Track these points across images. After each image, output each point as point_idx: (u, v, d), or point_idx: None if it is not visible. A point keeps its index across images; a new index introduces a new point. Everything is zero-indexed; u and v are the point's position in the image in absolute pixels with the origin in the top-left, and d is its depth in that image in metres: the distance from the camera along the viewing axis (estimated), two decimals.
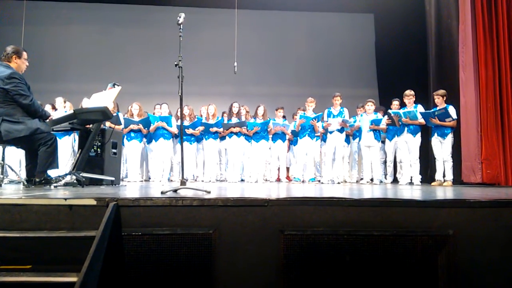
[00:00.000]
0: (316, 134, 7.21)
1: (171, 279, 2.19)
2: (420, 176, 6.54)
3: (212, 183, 6.49)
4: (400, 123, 6.58)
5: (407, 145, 6.56)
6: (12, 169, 4.23)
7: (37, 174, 3.71)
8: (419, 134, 6.51)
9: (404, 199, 2.52)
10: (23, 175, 4.09)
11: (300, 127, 7.17)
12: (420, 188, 4.97)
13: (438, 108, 6.20)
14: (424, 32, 7.90)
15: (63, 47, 10.22)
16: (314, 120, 7.03)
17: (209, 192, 2.85)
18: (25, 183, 3.76)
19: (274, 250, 2.26)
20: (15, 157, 6.70)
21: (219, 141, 7.60)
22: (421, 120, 6.36)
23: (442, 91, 6.26)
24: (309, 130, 7.12)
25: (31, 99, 3.69)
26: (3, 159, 4.05)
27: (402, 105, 6.85)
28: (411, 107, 6.55)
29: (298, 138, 7.30)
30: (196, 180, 7.68)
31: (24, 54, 3.89)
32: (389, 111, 6.84)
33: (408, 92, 6.62)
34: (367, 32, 10.67)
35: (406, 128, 6.54)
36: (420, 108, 6.50)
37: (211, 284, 2.21)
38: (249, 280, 2.26)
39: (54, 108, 7.29)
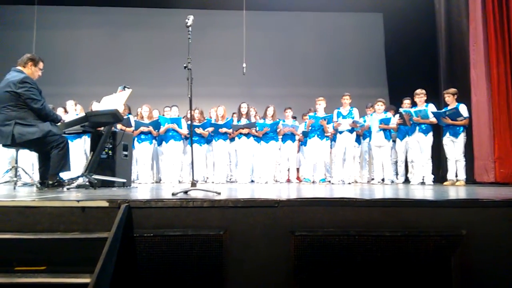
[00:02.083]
0: (326, 135, 7.19)
1: (183, 279, 2.20)
2: (432, 176, 6.47)
3: (222, 184, 6.50)
4: (411, 122, 6.52)
5: (419, 145, 6.50)
6: (25, 172, 4.31)
7: (50, 176, 3.76)
8: (430, 134, 6.45)
9: (416, 199, 2.50)
10: (36, 177, 4.15)
11: (310, 127, 7.14)
12: (432, 188, 4.92)
13: (449, 107, 6.14)
14: (434, 30, 7.82)
15: (73, 51, 10.34)
16: (323, 120, 6.99)
17: (219, 193, 2.86)
18: (38, 186, 3.82)
19: (285, 251, 2.26)
20: (28, 160, 6.79)
21: (229, 142, 7.61)
22: (432, 119, 6.30)
23: (453, 90, 6.20)
24: (318, 130, 7.09)
25: (42, 103, 3.75)
26: (16, 162, 4.12)
27: (413, 104, 6.79)
28: (422, 106, 6.49)
29: (308, 138, 7.28)
30: (206, 181, 7.70)
31: (41, 64, 3.95)
32: (400, 109, 6.78)
33: (419, 91, 6.56)
34: (376, 31, 10.61)
35: (417, 128, 6.48)
36: (432, 107, 6.43)
37: (222, 285, 2.22)
38: (260, 281, 2.26)
39: (65, 111, 7.38)
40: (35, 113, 3.71)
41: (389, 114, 7.11)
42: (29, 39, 8.65)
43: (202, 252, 2.20)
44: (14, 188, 3.92)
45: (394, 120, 6.94)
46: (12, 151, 5.10)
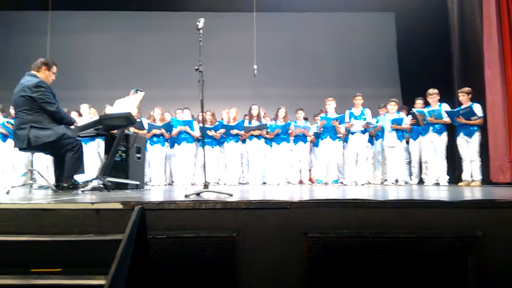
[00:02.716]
0: (338, 135, 7.14)
1: (196, 281, 2.21)
2: (447, 177, 6.39)
3: (234, 186, 6.51)
4: (424, 122, 6.44)
5: (433, 145, 6.42)
6: (41, 175, 4.36)
7: (64, 179, 3.81)
8: (444, 134, 6.37)
9: (431, 200, 2.47)
10: (51, 180, 4.21)
11: (322, 128, 7.12)
12: (447, 188, 4.85)
13: (463, 106, 6.05)
14: (446, 29, 7.72)
15: (87, 55, 10.48)
16: (335, 121, 6.96)
17: (231, 195, 2.87)
18: (54, 188, 3.88)
19: (298, 252, 2.25)
20: (44, 163, 6.89)
21: (240, 144, 7.62)
22: (446, 119, 6.22)
23: (467, 89, 6.11)
24: (330, 131, 7.06)
25: (57, 106, 3.81)
26: (32, 165, 4.18)
27: (426, 104, 6.71)
28: (435, 106, 6.41)
29: (320, 139, 7.25)
30: (218, 183, 7.72)
31: (54, 68, 4.01)
32: (413, 110, 6.71)
33: (431, 91, 6.48)
34: (388, 31, 10.51)
35: (431, 128, 6.40)
36: (445, 107, 6.35)
37: (235, 286, 2.22)
38: (273, 282, 2.26)
39: (79, 114, 7.48)
40: (50, 116, 3.77)
41: (402, 114, 7.04)
42: (43, 44, 8.79)
43: (215, 254, 2.21)
44: (30, 191, 3.99)
45: (407, 120, 6.87)
46: (28, 154, 5.19)
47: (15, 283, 1.92)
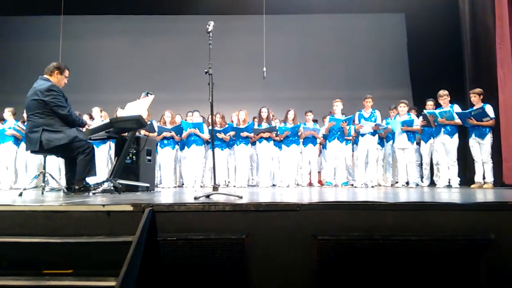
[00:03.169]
0: (346, 138, 7.11)
1: (206, 283, 2.21)
2: (459, 179, 6.31)
3: (243, 188, 6.51)
4: (435, 123, 6.38)
5: (444, 147, 6.36)
6: (52, 177, 4.42)
7: (76, 181, 3.86)
8: (456, 135, 6.30)
9: (443, 202, 2.44)
10: (63, 183, 4.25)
11: (329, 130, 7.11)
12: (459, 191, 4.79)
13: (475, 107, 5.98)
14: (458, 29, 7.65)
15: (98, 58, 10.60)
16: (344, 122, 6.94)
17: (241, 197, 2.87)
18: (65, 191, 3.92)
19: (307, 255, 2.24)
20: (55, 166, 6.98)
21: (250, 146, 7.63)
22: (457, 120, 6.15)
23: (478, 90, 6.03)
24: (338, 133, 7.03)
25: (68, 110, 3.85)
26: (44, 168, 4.24)
27: (437, 105, 6.65)
28: (446, 107, 6.34)
29: (327, 141, 7.23)
30: (228, 185, 7.74)
31: (66, 72, 4.07)
32: (424, 111, 6.65)
33: (442, 92, 6.42)
34: (398, 32, 10.44)
35: (442, 129, 6.34)
36: (457, 108, 6.28)
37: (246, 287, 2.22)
38: (283, 285, 2.25)
39: (91, 117, 7.56)
40: (61, 119, 3.82)
41: (413, 116, 6.98)
42: (56, 48, 8.92)
43: (224, 256, 2.21)
44: (42, 193, 4.04)
45: (417, 122, 6.81)
46: (40, 157, 5.27)
47: (28, 284, 1.94)
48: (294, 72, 10.40)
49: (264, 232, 2.27)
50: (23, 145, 7.07)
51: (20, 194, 3.80)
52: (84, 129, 4.21)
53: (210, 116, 3.84)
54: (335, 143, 7.06)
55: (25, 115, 7.10)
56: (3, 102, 8.31)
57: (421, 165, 7.22)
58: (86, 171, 3.85)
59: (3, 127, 7.36)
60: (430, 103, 6.89)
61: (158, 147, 7.36)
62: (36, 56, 9.52)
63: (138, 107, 4.40)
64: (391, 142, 7.23)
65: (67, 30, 9.37)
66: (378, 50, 10.35)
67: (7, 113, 7.44)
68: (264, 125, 7.44)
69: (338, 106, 7.06)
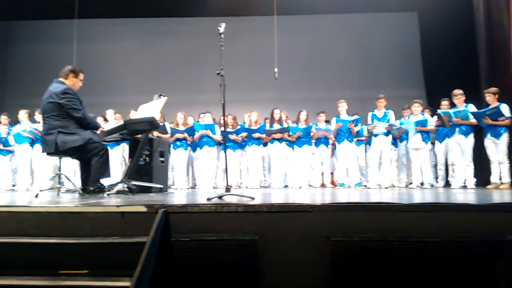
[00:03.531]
0: (359, 138, 7.06)
1: (219, 283, 2.21)
2: (475, 179, 6.22)
3: (256, 189, 6.51)
4: (450, 123, 6.29)
5: (460, 147, 6.26)
6: (68, 179, 4.48)
7: (91, 183, 3.90)
8: (471, 135, 6.20)
9: (458, 203, 2.41)
10: (78, 184, 4.31)
11: (337, 132, 7.07)
12: (474, 191, 4.72)
13: (490, 107, 5.88)
14: (472, 27, 7.53)
15: (112, 61, 10.73)
16: (351, 123, 6.90)
17: (253, 199, 2.87)
18: (80, 192, 3.97)
19: (321, 256, 2.23)
20: (71, 167, 7.08)
21: (262, 147, 7.63)
22: (472, 120, 6.06)
23: (493, 89, 5.93)
24: (346, 134, 7.00)
25: (83, 112, 3.91)
26: (59, 170, 4.30)
27: (452, 105, 6.55)
28: (461, 107, 6.25)
29: (337, 143, 7.20)
30: (240, 186, 7.75)
31: (81, 75, 4.13)
32: (438, 111, 6.56)
33: (456, 91, 6.33)
34: (411, 31, 10.33)
35: (457, 129, 6.25)
36: (472, 108, 6.18)
37: None
38: (296, 286, 2.24)
39: (105, 119, 7.65)
40: (76, 122, 3.87)
41: (427, 115, 6.89)
42: (70, 51, 9.06)
43: (237, 257, 2.21)
44: (58, 195, 4.09)
45: (432, 122, 6.73)
46: (55, 159, 5.35)
47: (45, 284, 1.97)
48: (306, 73, 10.37)
49: (276, 234, 2.27)
50: (38, 147, 7.18)
51: (36, 196, 3.86)
52: (98, 131, 4.26)
53: (222, 118, 3.85)
54: (345, 144, 7.04)
55: (36, 117, 7.32)
56: (19, 104, 8.46)
57: (435, 165, 7.12)
58: (100, 173, 3.89)
59: (20, 129, 7.50)
60: (445, 103, 6.80)
61: (171, 149, 7.41)
62: (50, 59, 9.69)
63: (151, 109, 4.44)
64: (404, 142, 7.15)
65: (81, 34, 9.51)
66: (390, 50, 10.26)
67: (23, 115, 7.57)
68: (276, 126, 7.43)
69: (343, 107, 7.04)
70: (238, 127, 7.67)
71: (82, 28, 9.58)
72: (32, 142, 7.50)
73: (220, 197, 3.01)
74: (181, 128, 7.60)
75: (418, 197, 3.39)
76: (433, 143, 7.03)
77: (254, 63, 9.97)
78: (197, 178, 7.84)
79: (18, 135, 7.44)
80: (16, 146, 7.52)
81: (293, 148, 7.48)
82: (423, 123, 6.67)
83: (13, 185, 7.82)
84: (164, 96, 4.61)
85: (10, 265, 2.11)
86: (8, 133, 7.69)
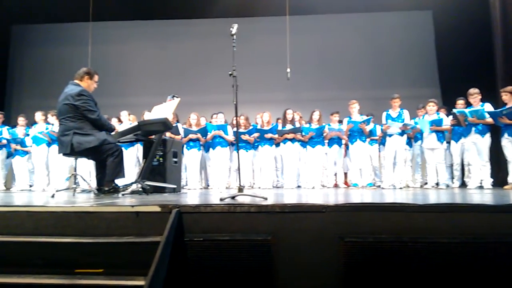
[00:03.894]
0: (372, 138, 7.00)
1: (232, 283, 2.22)
2: (491, 179, 6.10)
3: (268, 190, 6.51)
4: (466, 123, 6.19)
5: (476, 146, 6.16)
6: (83, 179, 4.56)
7: (106, 183, 3.95)
8: (488, 134, 6.10)
9: (474, 204, 2.37)
10: (94, 184, 4.37)
11: (349, 132, 7.02)
12: (491, 192, 4.63)
13: (507, 106, 5.77)
14: (488, 25, 7.40)
15: (126, 63, 10.85)
16: (362, 123, 6.86)
17: (266, 199, 2.87)
18: (96, 192, 4.03)
19: (334, 257, 2.21)
20: (86, 168, 7.19)
21: (274, 147, 7.62)
22: (489, 119, 5.95)
23: (510, 88, 5.82)
24: (358, 134, 6.95)
25: (98, 114, 3.96)
26: (75, 170, 4.37)
27: (468, 104, 6.45)
28: (477, 106, 6.15)
29: (350, 143, 7.15)
30: (253, 187, 7.75)
31: (96, 77, 4.19)
32: (454, 110, 6.47)
33: (472, 90, 6.22)
34: (426, 29, 10.20)
35: (473, 128, 6.15)
36: (488, 107, 6.08)
37: None
38: (309, 287, 2.23)
39: (120, 121, 7.74)
40: (91, 123, 3.93)
41: (442, 115, 6.80)
42: (85, 54, 9.19)
43: (250, 257, 2.22)
44: (74, 195, 4.16)
45: (447, 121, 6.63)
46: (71, 160, 5.44)
47: (61, 283, 2.00)
48: (319, 73, 10.33)
49: (289, 234, 2.27)
50: (54, 148, 7.31)
51: (53, 196, 3.92)
52: (113, 133, 4.31)
53: (234, 118, 3.86)
54: (358, 144, 7.01)
55: (49, 118, 7.45)
56: (35, 106, 8.62)
57: (451, 165, 7.02)
58: (115, 173, 3.94)
59: (36, 131, 7.64)
60: (460, 102, 6.69)
61: (184, 149, 7.45)
62: (66, 61, 9.86)
63: (164, 110, 4.48)
64: (419, 142, 7.06)
65: (95, 36, 9.63)
66: (404, 49, 10.15)
67: (39, 116, 7.71)
68: (288, 127, 7.42)
69: (355, 107, 7.00)
70: (251, 127, 7.68)
71: (96, 31, 9.71)
72: (49, 143, 7.64)
73: (233, 197, 3.02)
74: (194, 128, 7.65)
75: (433, 197, 3.34)
76: (448, 143, 6.93)
77: (267, 64, 9.97)
78: (210, 179, 7.87)
79: (35, 137, 7.59)
80: (34, 147, 7.66)
81: (306, 149, 7.45)
82: (438, 122, 6.59)
83: (30, 185, 7.97)
84: (177, 97, 4.65)
85: (28, 264, 2.15)
86: (26, 134, 7.84)
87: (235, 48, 3.41)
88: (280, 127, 7.54)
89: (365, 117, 7.06)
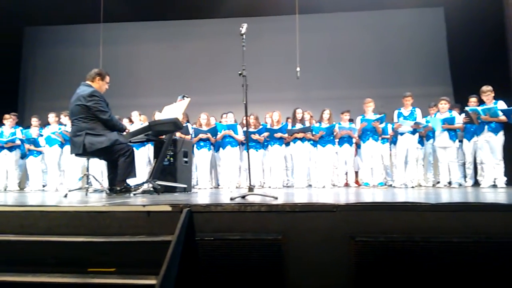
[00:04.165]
0: (383, 137, 6.94)
1: (243, 282, 2.22)
2: (505, 178, 6.01)
3: (279, 189, 6.50)
4: (479, 121, 6.11)
5: (489, 145, 6.07)
6: (96, 179, 4.60)
7: (117, 183, 3.99)
8: (501, 132, 6.00)
9: (487, 203, 2.34)
10: (106, 184, 4.42)
11: (361, 131, 6.97)
12: (505, 191, 4.57)
13: None
14: (501, 21, 7.27)
15: (137, 64, 10.94)
16: (376, 122, 6.79)
17: (276, 198, 2.87)
18: (108, 192, 4.07)
19: (345, 257, 2.20)
20: (98, 168, 7.26)
21: (284, 147, 7.61)
22: (502, 117, 5.86)
23: None
24: (371, 133, 6.90)
25: (109, 114, 4.00)
26: (87, 170, 4.42)
27: (481, 102, 6.36)
28: (490, 104, 6.05)
29: (362, 142, 7.10)
30: (263, 186, 7.75)
31: (107, 78, 4.23)
32: (466, 108, 6.38)
33: (484, 88, 6.13)
34: (437, 26, 10.08)
35: (486, 126, 6.06)
36: (501, 104, 5.98)
37: None
38: (320, 286, 2.23)
39: (131, 121, 7.80)
40: (103, 123, 3.97)
41: (454, 113, 6.71)
42: (96, 55, 9.28)
43: (261, 256, 2.22)
44: (86, 194, 4.21)
45: (459, 119, 6.55)
46: (84, 160, 5.50)
47: (74, 282, 2.03)
48: (329, 72, 10.28)
49: (300, 233, 2.26)
50: (67, 148, 7.40)
51: (65, 196, 3.97)
52: (124, 133, 4.35)
53: (244, 118, 3.86)
54: (370, 143, 6.94)
55: (63, 119, 7.54)
56: (48, 107, 8.75)
57: (464, 164, 6.93)
58: (127, 173, 3.98)
59: (49, 132, 7.75)
60: (473, 100, 6.60)
61: (195, 149, 7.49)
62: (77, 63, 9.97)
63: (174, 110, 4.50)
64: (431, 140, 6.98)
65: (106, 37, 9.72)
66: (415, 46, 10.04)
67: (52, 118, 7.82)
68: (298, 126, 7.40)
69: (370, 106, 6.93)
70: (260, 127, 7.67)
71: (107, 32, 9.80)
72: (62, 144, 7.74)
73: (243, 197, 3.02)
74: (205, 128, 7.67)
75: (446, 196, 3.31)
76: (461, 141, 6.85)
77: (276, 63, 9.96)
78: (220, 178, 7.90)
79: (48, 137, 7.70)
80: (47, 147, 7.77)
81: (316, 148, 7.42)
82: (450, 120, 6.50)
83: (44, 185, 8.08)
84: (187, 97, 4.67)
85: (41, 262, 2.18)
86: (40, 135, 7.95)
87: (245, 48, 3.41)
88: (289, 127, 7.52)
89: (378, 116, 6.99)
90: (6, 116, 7.95)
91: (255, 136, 7.51)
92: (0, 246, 2.27)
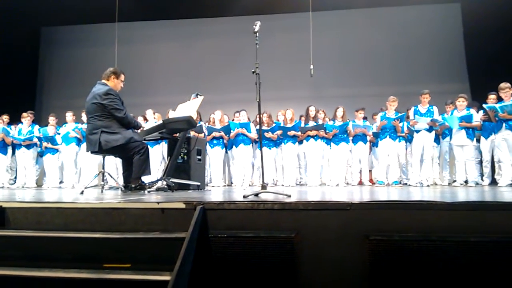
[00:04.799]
0: (399, 135, 6.85)
1: (256, 280, 2.23)
2: None
3: (292, 187, 6.49)
4: (496, 118, 5.99)
5: (507, 143, 5.95)
6: (111, 176, 4.66)
7: (132, 180, 4.04)
8: None
9: (505, 202, 2.29)
10: (121, 181, 4.47)
11: (381, 129, 6.89)
12: None
13: None
14: None
15: (151, 63, 11.04)
16: (396, 120, 6.70)
17: (289, 196, 2.86)
18: (123, 189, 4.12)
19: (359, 255, 2.19)
20: (113, 165, 7.36)
21: (297, 145, 7.58)
22: None
23: None
24: (390, 131, 6.81)
25: (125, 112, 4.05)
26: (103, 168, 4.48)
27: (499, 99, 6.23)
28: (508, 101, 5.93)
29: (379, 139, 7.02)
30: (276, 184, 7.74)
31: (122, 76, 4.28)
32: (484, 105, 6.26)
33: (503, 85, 6.00)
34: (453, 23, 9.91)
35: (504, 124, 5.93)
36: None
37: (295, 286, 2.21)
38: (333, 285, 2.22)
39: (145, 119, 7.88)
40: (118, 122, 4.02)
41: (472, 111, 6.59)
42: (111, 54, 9.40)
43: (274, 254, 2.22)
44: (102, 191, 4.27)
45: (477, 117, 6.42)
46: (99, 157, 5.59)
47: (90, 277, 2.06)
48: (342, 69, 10.20)
49: (313, 231, 2.25)
50: (84, 146, 7.51)
51: (82, 192, 4.04)
52: (139, 131, 4.40)
53: (257, 116, 3.86)
54: (387, 141, 6.84)
55: (83, 118, 7.66)
56: (64, 105, 8.89)
57: (481, 162, 6.80)
58: (141, 171, 4.02)
59: (66, 131, 7.88)
60: (492, 97, 6.46)
61: (208, 147, 7.52)
62: (93, 62, 10.11)
63: (188, 108, 4.52)
64: (447, 138, 6.87)
65: (121, 37, 9.83)
66: (432, 43, 9.89)
67: (69, 117, 7.96)
68: (311, 124, 7.37)
69: (394, 105, 6.80)
70: (274, 125, 7.66)
71: (122, 31, 9.91)
72: (79, 142, 7.87)
73: (256, 195, 3.02)
74: (218, 125, 7.70)
75: (462, 195, 3.25)
76: (478, 140, 6.72)
77: (289, 61, 9.93)
78: (233, 176, 7.92)
79: (65, 136, 7.84)
80: (63, 145, 7.91)
81: (330, 146, 7.38)
82: (468, 118, 6.39)
83: (60, 182, 8.23)
84: (201, 95, 4.69)
85: (58, 258, 2.22)
86: (57, 133, 8.09)
87: (258, 46, 3.40)
88: (303, 124, 7.49)
89: (399, 114, 6.89)
90: (24, 114, 8.11)
91: (268, 134, 7.51)
92: (18, 242, 2.32)
